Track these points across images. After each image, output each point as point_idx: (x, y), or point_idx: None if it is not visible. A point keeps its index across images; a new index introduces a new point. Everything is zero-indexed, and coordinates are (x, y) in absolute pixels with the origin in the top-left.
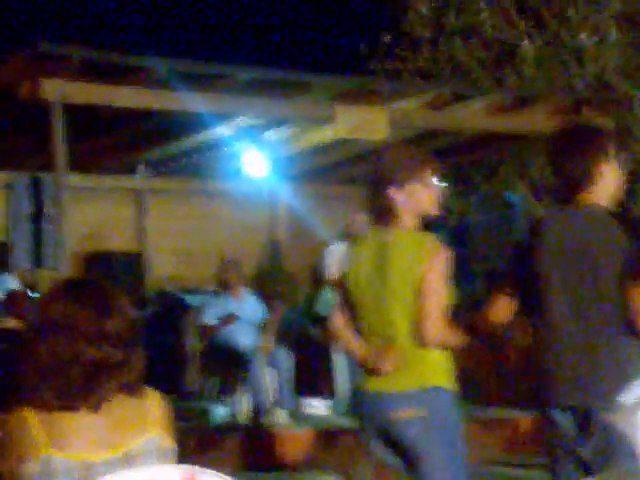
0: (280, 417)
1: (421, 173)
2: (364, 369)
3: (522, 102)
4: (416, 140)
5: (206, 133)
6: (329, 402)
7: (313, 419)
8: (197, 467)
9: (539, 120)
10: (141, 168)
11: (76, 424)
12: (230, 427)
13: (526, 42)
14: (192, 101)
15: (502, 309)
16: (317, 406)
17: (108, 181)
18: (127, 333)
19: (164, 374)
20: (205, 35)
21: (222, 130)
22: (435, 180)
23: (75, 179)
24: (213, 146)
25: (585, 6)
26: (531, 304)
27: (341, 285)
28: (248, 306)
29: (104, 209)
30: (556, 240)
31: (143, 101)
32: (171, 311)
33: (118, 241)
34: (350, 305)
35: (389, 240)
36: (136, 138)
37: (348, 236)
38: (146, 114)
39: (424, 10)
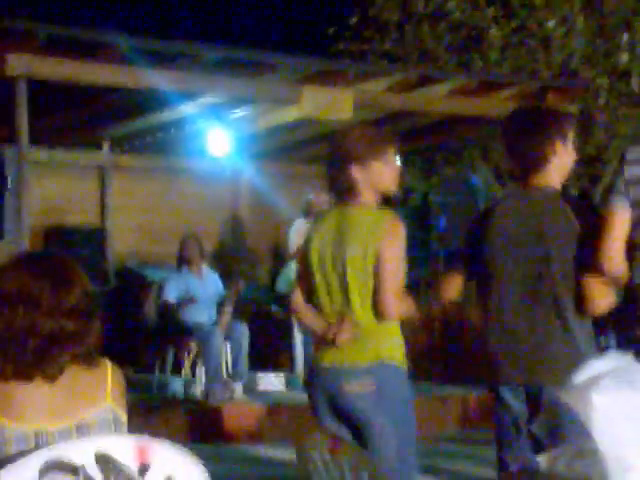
0: (235, 390)
1: (382, 151)
2: (319, 342)
3: (487, 87)
4: (381, 122)
5: (171, 111)
6: (286, 377)
7: (268, 393)
8: (150, 437)
9: (504, 105)
10: (105, 144)
11: (30, 394)
12: (185, 400)
13: (493, 28)
14: (157, 79)
15: (453, 287)
16: (274, 381)
17: (71, 156)
18: (84, 305)
19: (123, 348)
20: (172, 13)
21: (187, 108)
22: (395, 158)
23: (38, 154)
24: (177, 124)
25: None
26: (481, 284)
27: (301, 261)
28: (208, 282)
29: (67, 184)
30: (508, 222)
31: (108, 78)
32: (132, 286)
33: (80, 216)
34: (309, 281)
35: (348, 217)
36: (101, 114)
37: (309, 214)
38: (111, 91)
39: None
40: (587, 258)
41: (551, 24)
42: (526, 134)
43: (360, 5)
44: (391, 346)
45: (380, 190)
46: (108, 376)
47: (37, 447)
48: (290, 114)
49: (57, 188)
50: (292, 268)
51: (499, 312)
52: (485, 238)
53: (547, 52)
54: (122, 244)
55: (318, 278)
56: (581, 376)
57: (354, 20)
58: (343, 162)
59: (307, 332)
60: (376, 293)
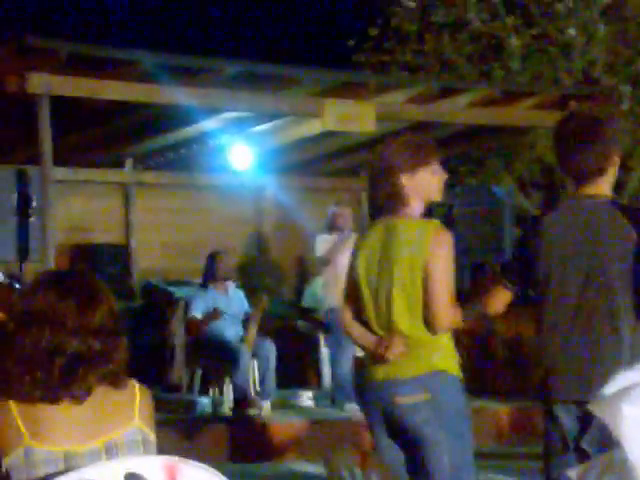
0: (263, 408)
1: (428, 160)
2: (370, 359)
3: (509, 96)
4: (403, 133)
5: (193, 127)
6: (314, 393)
7: (296, 410)
8: (178, 457)
9: (526, 114)
10: (128, 161)
11: (58, 415)
12: (214, 419)
13: (513, 37)
14: (179, 95)
15: (501, 301)
16: (302, 397)
17: (95, 174)
18: (110, 324)
19: (150, 367)
20: (193, 29)
21: (209, 123)
22: (440, 167)
23: (61, 172)
24: (200, 139)
25: (573, 1)
26: (536, 298)
27: (348, 277)
28: (234, 299)
29: (91, 202)
30: (562, 234)
31: (130, 94)
32: (158, 304)
33: (105, 234)
34: (357, 297)
35: (393, 229)
36: (123, 131)
37: (333, 228)
38: (133, 107)
39: (411, 4)
40: None
41: (572, 31)
42: (583, 144)
43: (380, 16)
44: (444, 356)
45: (427, 200)
46: (136, 396)
47: (67, 469)
48: (312, 127)
49: (81, 206)
50: (317, 283)
51: (554, 327)
52: (539, 250)
53: (568, 60)
54: (147, 261)
55: (366, 293)
56: (612, 387)
57: (374, 32)
58: (390, 172)
59: (334, 347)
60: (427, 306)
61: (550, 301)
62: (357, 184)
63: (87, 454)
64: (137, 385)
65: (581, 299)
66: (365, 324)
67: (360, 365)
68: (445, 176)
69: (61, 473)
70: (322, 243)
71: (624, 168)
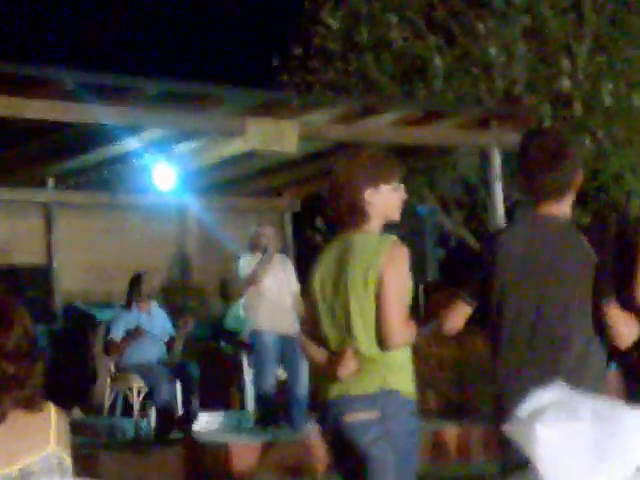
0: (186, 430)
1: (392, 177)
2: (325, 377)
3: (432, 116)
4: (327, 153)
5: (116, 146)
6: (238, 414)
7: (221, 431)
8: None
9: (448, 133)
10: (50, 181)
11: None
12: (136, 442)
13: (436, 57)
14: (102, 114)
15: (459, 316)
16: (224, 419)
17: (16, 194)
18: (25, 347)
19: (72, 390)
20: (115, 47)
21: (132, 143)
22: (401, 186)
23: None
24: (122, 159)
25: (494, 21)
26: (491, 315)
27: (304, 294)
28: (157, 320)
29: (11, 222)
30: (520, 251)
31: (52, 114)
32: (80, 326)
33: (26, 255)
34: (313, 314)
35: (350, 244)
36: (45, 151)
37: (255, 248)
38: (55, 127)
39: (335, 24)
40: (609, 289)
41: (493, 51)
42: (549, 164)
43: (304, 36)
44: (397, 376)
45: (385, 217)
46: (52, 420)
47: None
48: (235, 147)
49: (2, 227)
50: (240, 304)
51: (509, 346)
52: (495, 267)
53: (490, 79)
54: (69, 283)
55: (321, 310)
56: (525, 408)
57: (298, 51)
58: (353, 185)
59: (257, 369)
60: (379, 321)
61: (506, 320)
62: (280, 204)
63: None
64: (53, 408)
65: (537, 319)
66: (321, 341)
67: (317, 383)
68: (405, 196)
69: None
70: (245, 263)
71: None
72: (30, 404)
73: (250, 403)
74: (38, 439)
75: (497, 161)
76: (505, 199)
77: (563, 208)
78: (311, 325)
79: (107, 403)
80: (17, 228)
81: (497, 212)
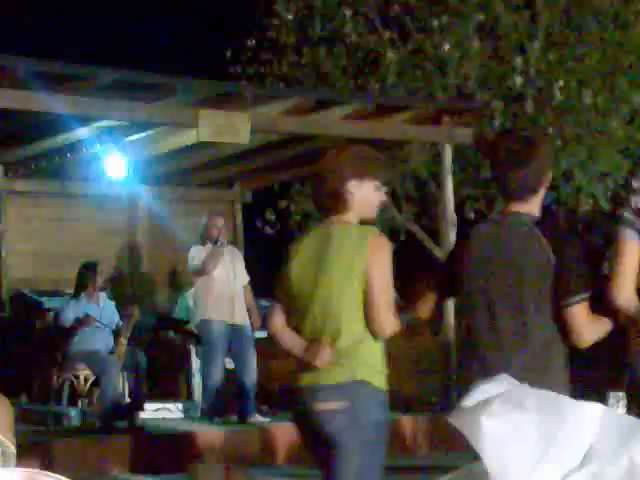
0: (133, 419)
1: (377, 175)
2: (298, 365)
3: (384, 110)
4: (278, 145)
5: (67, 135)
6: (184, 405)
7: (166, 422)
8: (37, 470)
9: (400, 128)
10: (0, 169)
11: None
12: (81, 430)
13: (389, 51)
14: (53, 102)
15: (428, 305)
16: (171, 409)
17: None
18: None
19: (18, 377)
20: (66, 35)
21: (83, 132)
22: (382, 187)
23: None
24: (73, 148)
25: (448, 17)
26: (459, 306)
27: (281, 281)
28: (105, 310)
29: None
30: (486, 247)
31: (2, 101)
32: (27, 314)
33: None
34: (288, 302)
35: (330, 235)
36: None
37: (207, 239)
38: (6, 114)
39: (289, 16)
40: (572, 290)
41: (447, 47)
42: (518, 164)
43: (257, 28)
44: (370, 367)
45: (362, 213)
46: None
47: None
48: (187, 138)
49: None
50: (189, 294)
51: (473, 339)
52: (461, 260)
53: (443, 75)
54: (17, 271)
55: (298, 299)
56: (471, 399)
57: (251, 43)
58: (339, 176)
59: (205, 359)
60: (369, 312)
61: (469, 314)
62: (231, 195)
63: None
64: None
65: (495, 315)
66: (295, 330)
67: (291, 371)
68: (384, 198)
69: None
70: (196, 254)
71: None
72: None
73: (198, 393)
74: None
75: (448, 156)
76: (455, 194)
77: (531, 207)
78: (285, 314)
79: (54, 391)
80: None
81: (448, 207)
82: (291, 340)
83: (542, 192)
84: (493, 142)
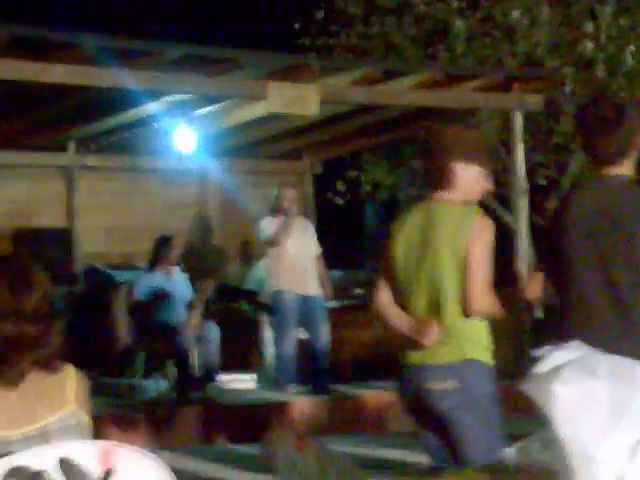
0: (207, 391)
1: (484, 164)
2: (406, 342)
3: (453, 79)
4: (347, 116)
5: (136, 110)
6: (257, 375)
7: (239, 393)
8: (114, 442)
9: (470, 96)
10: (71, 145)
11: None
12: (157, 402)
13: (458, 20)
14: (122, 78)
15: (538, 285)
16: (245, 379)
17: (37, 158)
18: (44, 309)
19: (92, 351)
20: (136, 11)
21: (153, 106)
22: (488, 177)
23: (3, 156)
24: (143, 122)
25: None
26: (561, 277)
27: (385, 259)
28: (178, 283)
29: (33, 186)
30: (586, 211)
31: (73, 77)
32: (101, 288)
33: (47, 218)
34: (393, 279)
35: (435, 213)
36: (66, 115)
37: (277, 211)
38: (76, 91)
39: None
40: None
41: (516, 14)
42: (608, 129)
43: (325, 0)
44: (476, 345)
45: (466, 195)
46: (71, 381)
47: (0, 455)
48: (256, 110)
49: (24, 190)
50: (261, 266)
51: (578, 302)
52: (563, 227)
53: (512, 42)
54: (90, 245)
55: (403, 276)
56: (542, 367)
57: (320, 15)
58: (448, 154)
59: (277, 330)
60: (463, 289)
61: (574, 277)
62: (301, 167)
63: (21, 440)
64: (72, 369)
65: (605, 275)
66: (401, 307)
67: (399, 346)
68: (488, 187)
69: None
70: (267, 226)
71: (567, 150)
72: (49, 364)
73: (270, 363)
74: (57, 399)
75: (519, 123)
76: (526, 161)
77: (625, 169)
78: (390, 290)
79: (128, 364)
80: (39, 192)
81: (518, 174)
82: (398, 317)
83: (633, 154)
84: (581, 109)
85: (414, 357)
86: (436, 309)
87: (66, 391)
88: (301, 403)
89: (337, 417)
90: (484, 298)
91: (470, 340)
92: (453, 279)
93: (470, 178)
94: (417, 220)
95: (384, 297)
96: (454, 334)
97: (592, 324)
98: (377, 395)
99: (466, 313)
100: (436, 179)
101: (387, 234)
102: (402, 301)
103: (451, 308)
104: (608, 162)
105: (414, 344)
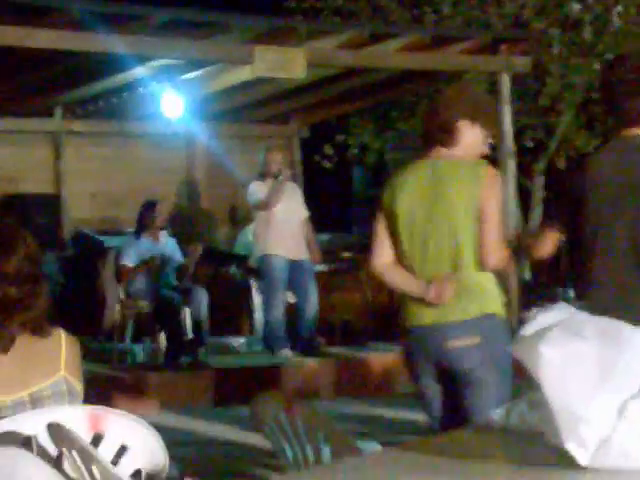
0: (197, 354)
1: (489, 126)
2: (414, 303)
3: (440, 41)
4: (334, 79)
5: (123, 74)
6: (246, 339)
7: (229, 356)
8: (104, 407)
9: (457, 59)
10: (58, 110)
11: None
12: (148, 366)
13: None
14: (108, 42)
15: (550, 244)
16: (234, 343)
17: (24, 124)
18: (27, 271)
19: (82, 316)
20: None
21: (139, 71)
22: (489, 141)
23: None
24: (130, 87)
25: None
26: (585, 240)
27: (384, 217)
28: (167, 248)
29: (20, 152)
30: (609, 173)
31: (59, 42)
32: (89, 253)
33: (35, 184)
34: (394, 237)
35: (442, 170)
36: (52, 80)
37: (266, 175)
38: (62, 55)
39: None
40: None
41: None
42: (632, 90)
43: None
44: (492, 298)
45: (468, 154)
46: (62, 346)
47: None
48: (243, 74)
49: (10, 156)
50: (249, 230)
51: (604, 267)
52: (585, 190)
53: (499, 4)
54: (78, 211)
55: (407, 234)
56: (529, 328)
57: None
58: (453, 111)
59: (266, 294)
60: (481, 242)
61: (600, 242)
62: (289, 130)
63: (12, 405)
64: (63, 334)
65: (631, 238)
66: (404, 267)
67: (400, 309)
68: (487, 151)
69: None
70: (256, 189)
71: (554, 112)
72: (37, 327)
73: (259, 327)
74: (48, 365)
75: (506, 85)
76: (513, 123)
77: None
78: (389, 252)
79: (117, 328)
80: (26, 157)
81: (506, 136)
82: (403, 278)
83: None
84: (604, 69)
85: (427, 316)
86: (449, 264)
87: (58, 357)
88: (289, 367)
89: (325, 380)
90: (501, 251)
91: (488, 294)
92: (468, 232)
93: (473, 138)
94: (421, 176)
95: (384, 259)
96: (472, 288)
97: (616, 285)
98: (366, 357)
99: (484, 266)
100: (441, 135)
101: (379, 196)
102: (405, 260)
103: (467, 262)
104: (633, 124)
105: (426, 303)
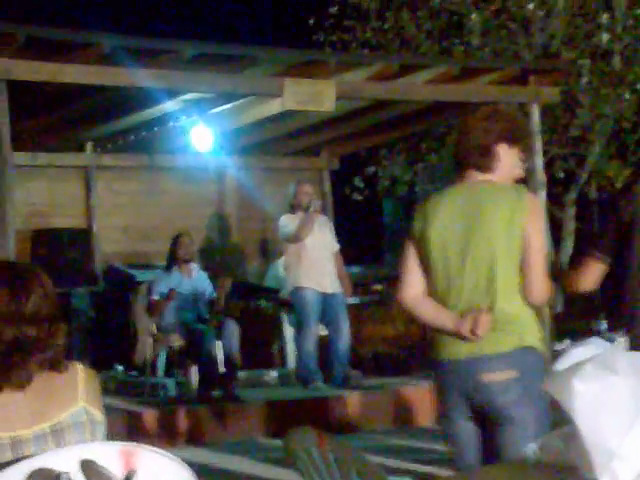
0: (228, 389)
1: (525, 150)
2: (447, 336)
3: (469, 72)
4: (364, 111)
5: (153, 108)
6: (278, 373)
7: (262, 389)
8: (134, 443)
9: (486, 90)
10: (88, 145)
11: (2, 403)
12: (179, 400)
13: (473, 13)
14: (138, 77)
15: (592, 276)
16: (266, 377)
17: (55, 158)
18: (45, 311)
19: (114, 350)
20: (150, 10)
21: (169, 105)
22: (523, 164)
23: (21, 157)
24: (160, 121)
25: None
26: (629, 270)
27: (415, 246)
28: (197, 281)
29: (51, 187)
30: None
31: (89, 77)
32: (120, 287)
33: (66, 219)
34: (426, 267)
35: (480, 192)
36: (83, 115)
37: (296, 207)
38: (93, 90)
39: None
40: None
41: (531, 6)
42: None
43: None
44: (531, 331)
45: (504, 178)
46: (80, 378)
47: (14, 455)
48: (272, 107)
49: (42, 191)
50: (279, 263)
51: None
52: (634, 219)
53: (528, 35)
54: (109, 245)
55: (439, 263)
56: (563, 363)
57: (334, 10)
58: (493, 132)
59: (297, 327)
60: (526, 274)
61: None
62: (319, 163)
63: (34, 438)
64: (80, 367)
65: None
66: (435, 298)
67: (432, 342)
68: (522, 174)
69: (11, 462)
70: (287, 222)
71: (584, 142)
72: (55, 365)
73: (291, 360)
74: (67, 397)
75: (536, 116)
76: (544, 153)
77: None
78: (420, 284)
79: (149, 362)
80: (57, 192)
81: (537, 167)
82: (435, 311)
83: None
84: None
85: (461, 350)
86: (485, 294)
87: (76, 389)
88: (322, 400)
89: (358, 414)
90: (547, 283)
91: (526, 326)
92: (508, 261)
93: (510, 161)
94: (457, 201)
95: (414, 290)
96: (511, 320)
97: None
98: (399, 389)
99: (528, 298)
100: (478, 159)
101: (409, 225)
102: (437, 291)
103: (505, 292)
104: None
105: (459, 336)
